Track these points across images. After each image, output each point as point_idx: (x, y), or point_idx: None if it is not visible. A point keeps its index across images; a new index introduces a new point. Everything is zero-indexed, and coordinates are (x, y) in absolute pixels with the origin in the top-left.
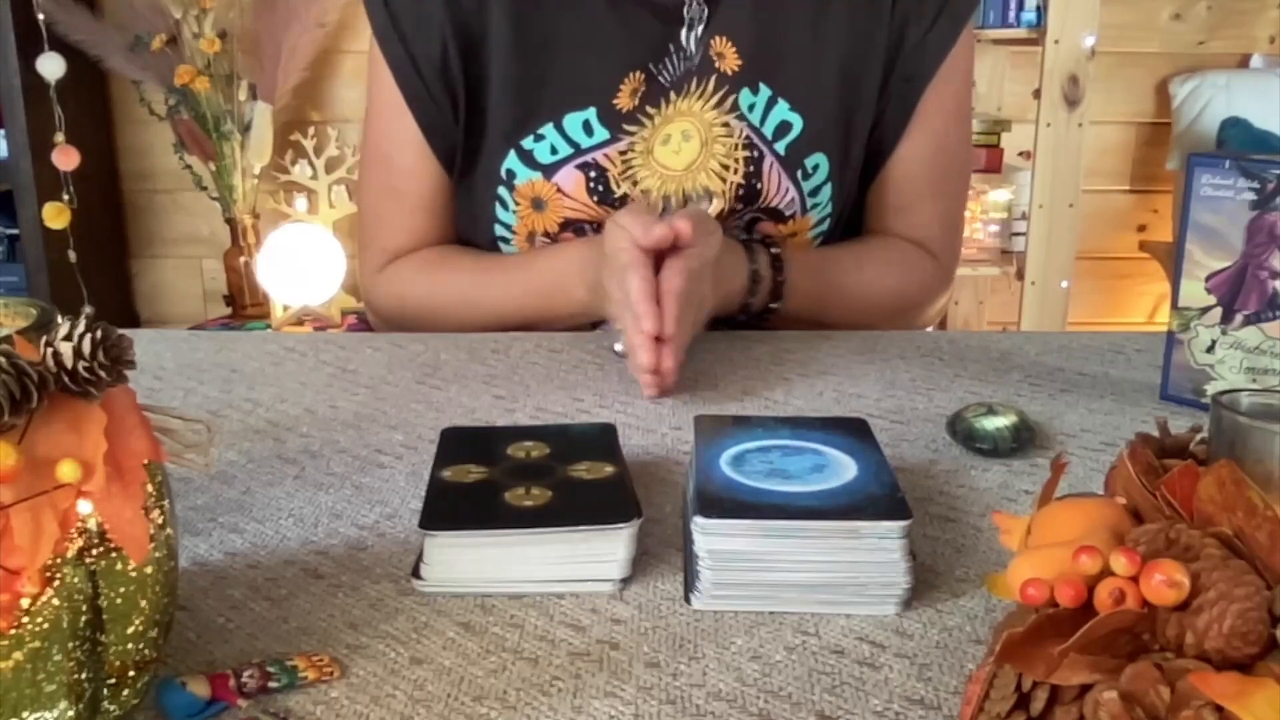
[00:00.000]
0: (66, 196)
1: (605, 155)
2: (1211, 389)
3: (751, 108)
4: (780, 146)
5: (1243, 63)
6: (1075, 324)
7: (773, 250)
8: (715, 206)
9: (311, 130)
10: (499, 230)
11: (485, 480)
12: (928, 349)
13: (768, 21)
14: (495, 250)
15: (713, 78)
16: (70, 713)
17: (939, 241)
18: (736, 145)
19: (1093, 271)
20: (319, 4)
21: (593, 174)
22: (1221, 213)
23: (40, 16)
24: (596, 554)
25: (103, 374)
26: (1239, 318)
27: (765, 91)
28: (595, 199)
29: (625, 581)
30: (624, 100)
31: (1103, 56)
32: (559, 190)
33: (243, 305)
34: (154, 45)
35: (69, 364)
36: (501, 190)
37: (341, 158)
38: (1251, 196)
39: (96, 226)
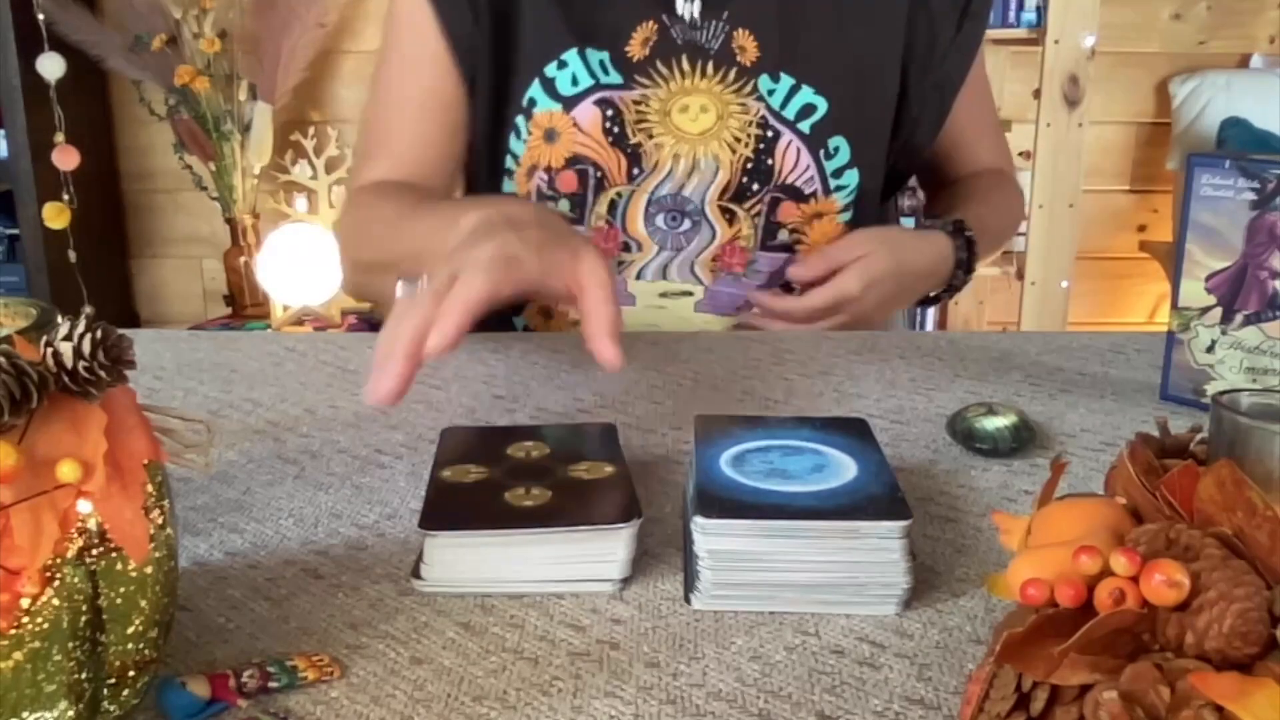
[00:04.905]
0: (66, 196)
1: (621, 99)
2: (1211, 389)
3: (772, 92)
4: (805, 126)
5: (1243, 63)
6: (1075, 324)
7: (967, 234)
8: (721, 177)
9: (311, 130)
10: (507, 162)
11: (485, 480)
12: (928, 349)
13: (788, 13)
14: (498, 185)
15: (734, 70)
16: (70, 713)
17: (1005, 170)
18: (751, 123)
19: (1093, 271)
20: (319, 4)
21: (609, 112)
22: (1221, 213)
23: (40, 16)
24: (596, 554)
25: (103, 374)
26: (1239, 318)
27: (787, 80)
28: (610, 140)
29: (625, 581)
30: (635, 49)
31: (1103, 56)
32: (575, 124)
33: (243, 305)
34: (154, 45)
35: (69, 364)
36: (519, 119)
37: (341, 157)
38: (1251, 196)
39: (96, 226)
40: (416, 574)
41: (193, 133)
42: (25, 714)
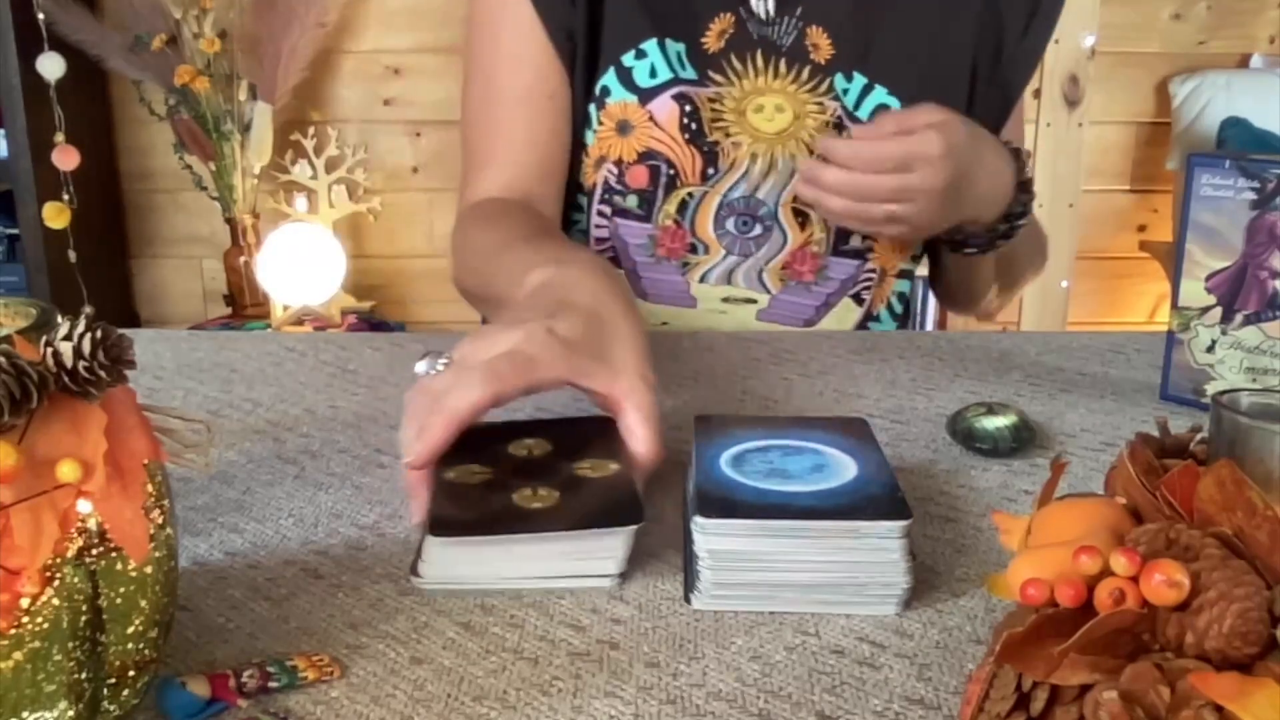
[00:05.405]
0: (66, 196)
1: (697, 95)
2: (1211, 389)
3: (845, 92)
4: None
5: (1243, 63)
6: (1075, 324)
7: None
8: (797, 178)
9: (311, 130)
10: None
11: (490, 481)
12: (928, 349)
13: (863, 11)
14: (568, 176)
15: (807, 68)
16: (70, 713)
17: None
18: (828, 123)
19: (1093, 271)
20: (319, 4)
21: (688, 108)
22: (1221, 213)
23: (40, 16)
24: (597, 552)
25: (103, 374)
26: (1239, 318)
27: (860, 79)
28: (686, 136)
29: (623, 577)
30: (712, 41)
31: (1103, 56)
32: (651, 118)
33: (243, 305)
34: (154, 45)
35: (69, 364)
36: (590, 107)
37: (341, 157)
38: (1251, 196)
39: (96, 226)
40: (415, 571)
41: (193, 133)
42: (25, 714)
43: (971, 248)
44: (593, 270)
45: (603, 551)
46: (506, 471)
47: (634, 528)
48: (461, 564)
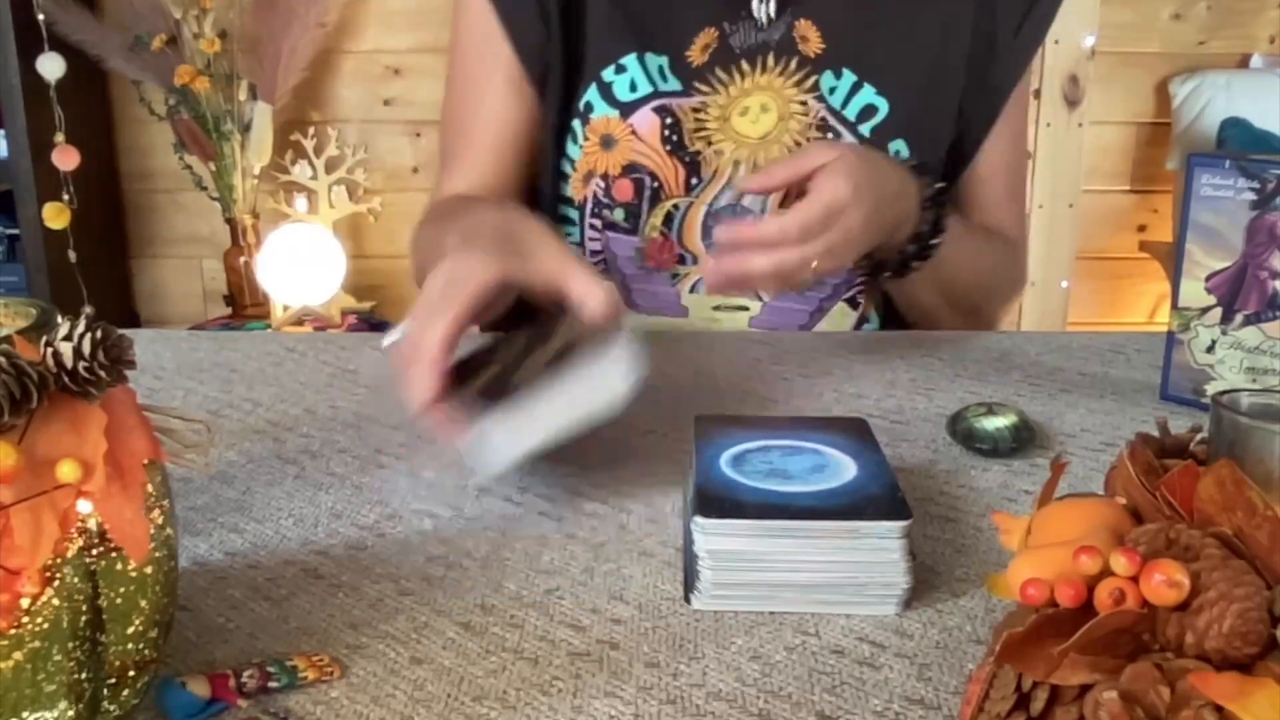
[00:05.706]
0: (66, 196)
1: (679, 106)
2: (1211, 389)
3: (833, 90)
4: (865, 129)
5: (1243, 63)
6: (1075, 324)
7: (938, 186)
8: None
9: (311, 130)
10: (564, 166)
11: (500, 373)
12: (928, 349)
13: (855, 8)
14: (559, 188)
15: (794, 59)
16: (70, 713)
17: (1018, 241)
18: (811, 125)
19: (1093, 271)
20: (319, 4)
21: (669, 120)
22: (1221, 213)
23: (40, 16)
24: (610, 374)
25: (103, 374)
26: (1239, 318)
27: (849, 77)
28: (668, 148)
29: (639, 384)
30: (695, 55)
31: (1103, 56)
32: (632, 131)
33: (243, 305)
34: (154, 45)
35: (69, 364)
36: (575, 122)
37: (341, 157)
38: (1251, 196)
39: (96, 226)
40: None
41: (193, 133)
42: (25, 714)
43: (886, 271)
44: (497, 206)
45: (614, 373)
46: (508, 365)
47: (633, 342)
48: (515, 433)
